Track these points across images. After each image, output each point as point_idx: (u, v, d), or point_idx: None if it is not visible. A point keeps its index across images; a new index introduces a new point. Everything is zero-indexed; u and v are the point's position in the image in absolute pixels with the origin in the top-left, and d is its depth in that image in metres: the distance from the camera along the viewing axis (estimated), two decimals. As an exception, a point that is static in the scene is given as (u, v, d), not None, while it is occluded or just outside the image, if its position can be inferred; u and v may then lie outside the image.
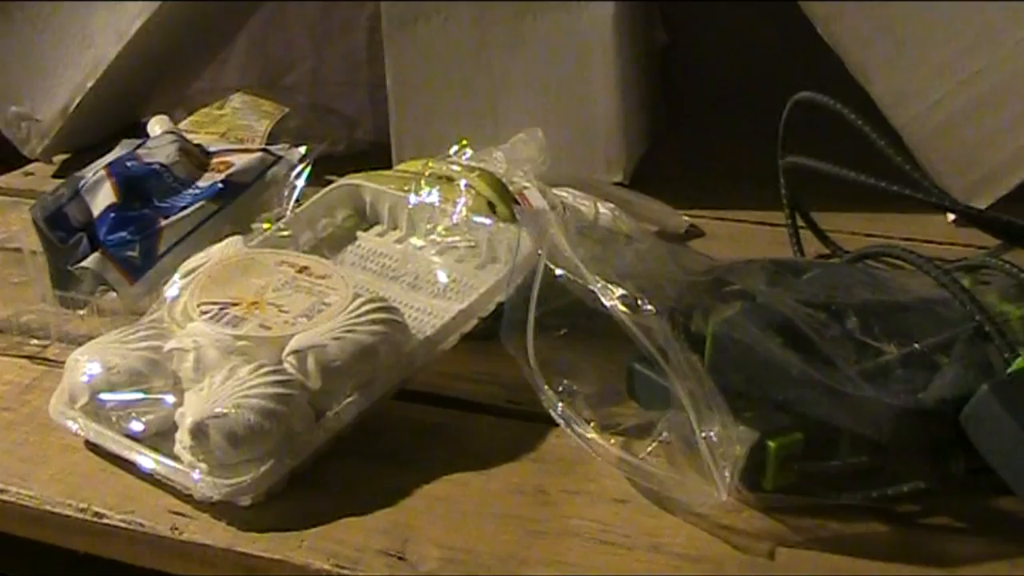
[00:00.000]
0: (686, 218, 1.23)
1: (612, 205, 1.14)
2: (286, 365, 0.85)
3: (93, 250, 1.06)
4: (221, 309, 0.90)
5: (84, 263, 1.05)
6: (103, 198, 1.12)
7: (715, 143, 1.50)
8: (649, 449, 0.79)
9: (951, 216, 1.21)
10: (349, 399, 0.85)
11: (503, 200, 1.06)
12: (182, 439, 0.81)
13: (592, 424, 0.81)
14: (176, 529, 0.79)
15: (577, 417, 0.81)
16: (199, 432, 0.80)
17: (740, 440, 0.75)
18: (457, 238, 1.01)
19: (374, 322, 0.88)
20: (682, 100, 1.57)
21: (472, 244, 1.00)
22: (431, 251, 1.01)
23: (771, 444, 0.77)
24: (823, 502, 0.78)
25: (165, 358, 0.88)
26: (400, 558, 0.76)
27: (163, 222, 1.09)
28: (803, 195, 1.15)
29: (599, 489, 0.82)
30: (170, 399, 0.85)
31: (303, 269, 0.94)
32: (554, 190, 1.14)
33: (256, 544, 0.77)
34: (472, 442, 0.88)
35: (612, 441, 0.80)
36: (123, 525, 0.80)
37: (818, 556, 0.75)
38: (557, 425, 0.83)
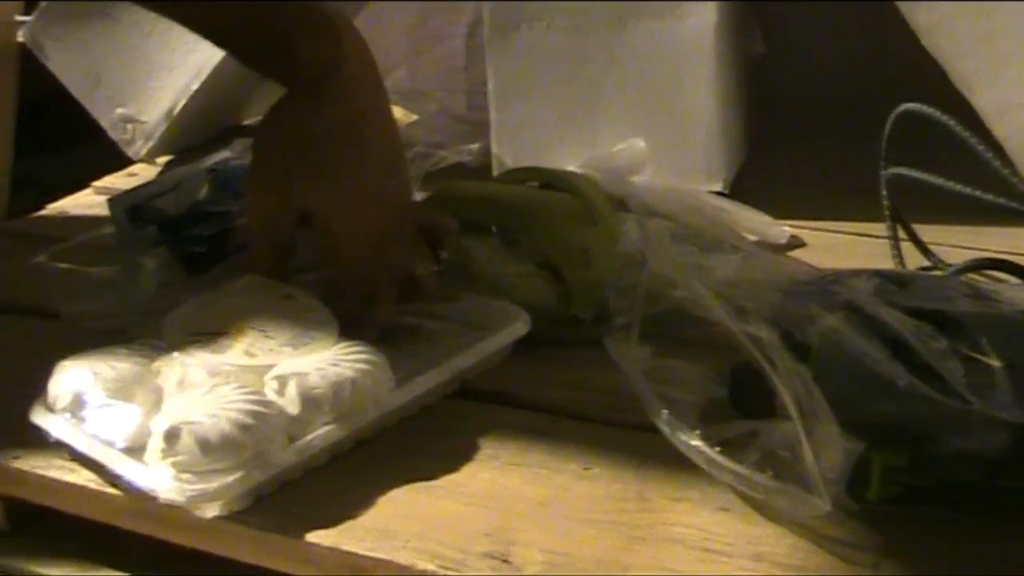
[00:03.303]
0: (786, 228, 1.23)
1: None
2: (267, 389, 0.87)
3: (168, 244, 1.07)
4: (210, 339, 0.91)
5: (149, 256, 1.06)
6: (197, 193, 1.13)
7: (813, 153, 1.49)
8: (753, 458, 0.79)
9: (1055, 229, 1.20)
10: (324, 429, 0.86)
11: (605, 206, 1.06)
12: (154, 443, 0.82)
13: (696, 431, 0.81)
14: (283, 528, 0.80)
15: (681, 424, 0.81)
16: (172, 435, 0.80)
17: (845, 451, 0.75)
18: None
19: (358, 361, 0.89)
20: (780, 110, 1.56)
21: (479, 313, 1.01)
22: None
23: (876, 456, 0.76)
24: (928, 515, 0.78)
25: (152, 372, 0.89)
26: (504, 561, 0.76)
27: (241, 220, 1.10)
28: (904, 206, 1.14)
29: (701, 497, 0.82)
30: (149, 411, 0.86)
31: (288, 297, 0.96)
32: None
33: (362, 543, 0.78)
34: (573, 448, 0.88)
35: (716, 449, 0.80)
36: (230, 522, 0.81)
37: (923, 570, 0.75)
38: (657, 432, 0.83)
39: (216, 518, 0.81)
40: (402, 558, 0.77)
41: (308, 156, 0.97)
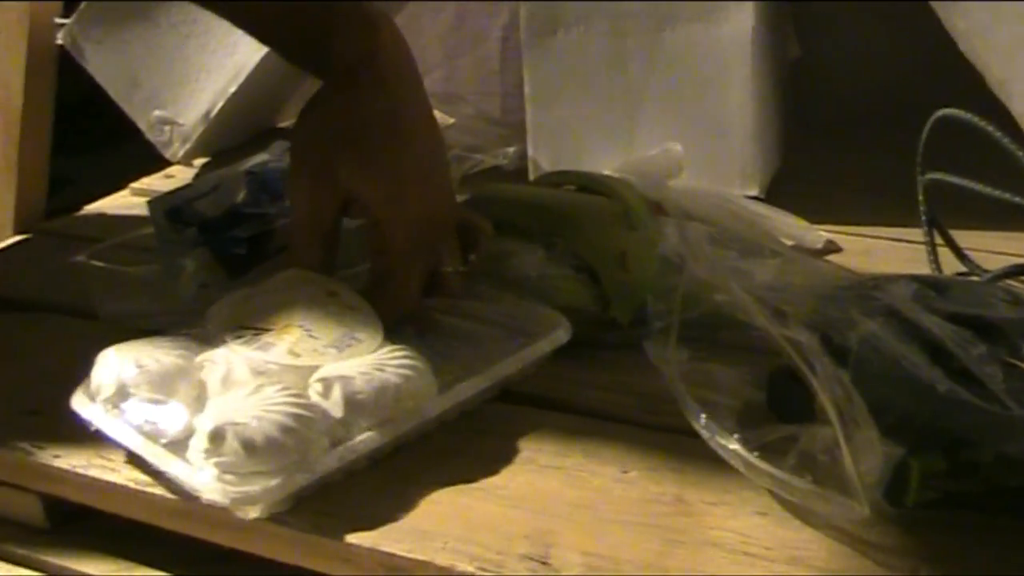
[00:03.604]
0: (822, 233, 1.23)
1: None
2: (311, 391, 0.87)
3: (208, 245, 1.08)
4: (254, 335, 0.91)
5: (189, 257, 1.07)
6: (235, 195, 1.13)
7: (848, 157, 1.49)
8: (791, 462, 0.79)
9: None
10: (366, 434, 0.86)
11: (642, 210, 1.06)
12: (198, 442, 0.82)
13: (734, 435, 0.81)
14: (322, 529, 0.81)
15: (719, 428, 0.81)
16: (217, 436, 0.81)
17: (884, 456, 0.75)
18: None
19: (402, 366, 0.89)
20: (815, 113, 1.56)
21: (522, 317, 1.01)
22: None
23: (914, 461, 0.76)
24: (967, 520, 0.78)
25: (195, 367, 0.89)
26: (543, 563, 0.76)
27: (281, 222, 1.10)
28: (940, 211, 1.14)
29: (739, 501, 0.82)
30: (192, 407, 0.86)
31: (332, 293, 0.96)
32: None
33: (400, 545, 0.79)
34: (611, 450, 0.88)
35: (754, 453, 0.80)
36: (270, 523, 0.82)
37: (962, 574, 0.75)
38: (695, 436, 0.83)
39: (256, 520, 0.81)
40: (441, 559, 0.77)
41: (348, 144, 0.97)
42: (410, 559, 0.78)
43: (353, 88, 0.98)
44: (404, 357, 0.90)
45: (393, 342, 0.92)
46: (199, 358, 0.90)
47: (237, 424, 0.81)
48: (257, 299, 0.96)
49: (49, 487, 0.91)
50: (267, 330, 0.92)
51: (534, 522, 0.80)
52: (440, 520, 0.81)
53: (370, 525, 0.80)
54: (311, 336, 0.91)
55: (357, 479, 0.86)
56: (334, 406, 0.85)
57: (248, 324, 0.92)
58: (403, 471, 0.87)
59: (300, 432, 0.82)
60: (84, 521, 0.92)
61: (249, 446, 0.80)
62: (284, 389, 0.85)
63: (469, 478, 0.85)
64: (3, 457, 0.92)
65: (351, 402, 0.85)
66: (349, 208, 0.99)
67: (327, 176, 0.98)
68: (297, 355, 0.89)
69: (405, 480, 0.85)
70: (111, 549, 0.91)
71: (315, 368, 0.88)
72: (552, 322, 0.99)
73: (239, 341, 0.91)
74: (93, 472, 0.88)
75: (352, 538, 0.80)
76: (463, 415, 0.93)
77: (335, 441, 0.85)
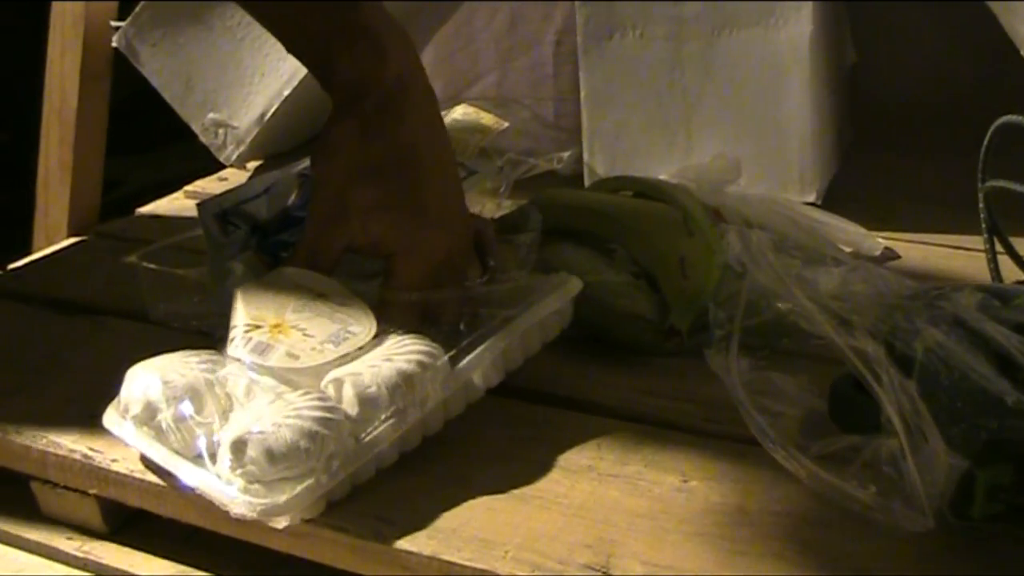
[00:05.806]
0: (880, 240, 1.22)
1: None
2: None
3: (256, 249, 1.08)
4: (244, 333, 0.90)
5: (237, 260, 1.06)
6: (286, 198, 1.13)
7: (906, 163, 1.48)
8: (854, 473, 0.78)
9: None
10: (385, 425, 0.86)
11: (701, 216, 1.06)
12: (223, 455, 0.82)
13: (796, 445, 0.80)
14: (381, 536, 0.81)
15: (781, 437, 0.81)
16: (237, 448, 0.81)
17: (950, 468, 0.74)
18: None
19: (410, 353, 0.88)
20: (872, 119, 1.55)
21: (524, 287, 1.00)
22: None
23: (980, 473, 0.75)
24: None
25: (220, 380, 0.89)
26: (604, 572, 0.76)
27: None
28: (1001, 219, 1.13)
29: (801, 511, 0.81)
30: (219, 420, 0.86)
31: (320, 295, 0.94)
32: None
33: (461, 553, 0.78)
34: (671, 459, 0.88)
35: (816, 463, 0.79)
36: (328, 529, 0.82)
37: (1030, 589, 0.74)
38: (757, 445, 0.82)
39: (314, 525, 0.81)
40: (502, 569, 0.77)
41: (365, 183, 0.94)
42: (471, 567, 0.77)
43: (363, 123, 0.95)
44: (412, 343, 0.89)
45: (399, 333, 0.91)
46: (222, 371, 0.89)
47: (257, 433, 0.81)
48: (248, 296, 0.94)
49: (108, 491, 0.91)
50: (257, 327, 0.91)
51: (595, 531, 0.80)
52: (500, 528, 0.81)
53: (430, 533, 0.80)
54: (306, 335, 0.90)
55: (415, 483, 0.86)
56: (348, 404, 0.85)
57: (237, 323, 0.91)
58: (463, 478, 0.87)
59: (321, 434, 0.82)
60: (142, 525, 0.92)
61: (270, 454, 0.80)
62: (305, 393, 0.85)
63: (530, 486, 0.85)
64: (62, 461, 0.92)
65: (363, 397, 0.85)
66: (358, 247, 0.97)
67: (341, 213, 0.95)
68: (296, 356, 0.88)
69: (465, 488, 0.85)
70: (169, 553, 0.91)
71: (321, 366, 0.88)
72: (561, 279, 1.00)
73: (231, 343, 0.90)
74: (151, 476, 0.88)
75: (412, 546, 0.79)
76: (521, 419, 0.93)
77: (357, 438, 0.85)
